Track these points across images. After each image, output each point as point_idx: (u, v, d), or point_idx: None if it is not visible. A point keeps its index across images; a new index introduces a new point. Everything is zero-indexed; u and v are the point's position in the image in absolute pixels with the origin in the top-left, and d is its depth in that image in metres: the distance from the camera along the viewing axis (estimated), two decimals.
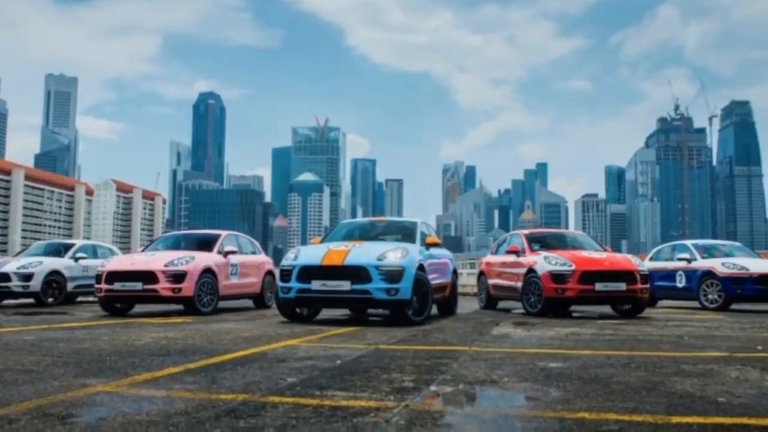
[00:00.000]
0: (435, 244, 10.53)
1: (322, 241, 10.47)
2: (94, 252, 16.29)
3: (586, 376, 4.31)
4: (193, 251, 11.99)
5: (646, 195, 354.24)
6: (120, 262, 11.78)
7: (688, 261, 14.15)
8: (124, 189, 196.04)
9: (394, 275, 8.49)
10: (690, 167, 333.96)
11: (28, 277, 14.01)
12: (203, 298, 11.26)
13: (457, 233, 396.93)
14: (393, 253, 8.74)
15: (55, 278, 14.56)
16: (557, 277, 10.72)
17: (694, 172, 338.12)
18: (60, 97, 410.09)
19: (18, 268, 14.09)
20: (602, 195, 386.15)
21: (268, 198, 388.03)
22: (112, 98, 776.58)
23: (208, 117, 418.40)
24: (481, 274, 14.56)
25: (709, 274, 13.45)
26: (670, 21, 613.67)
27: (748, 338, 7.21)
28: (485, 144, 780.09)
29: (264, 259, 14.59)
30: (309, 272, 8.82)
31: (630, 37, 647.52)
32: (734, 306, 13.56)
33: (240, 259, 12.94)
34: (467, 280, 25.26)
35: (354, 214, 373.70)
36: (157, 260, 11.26)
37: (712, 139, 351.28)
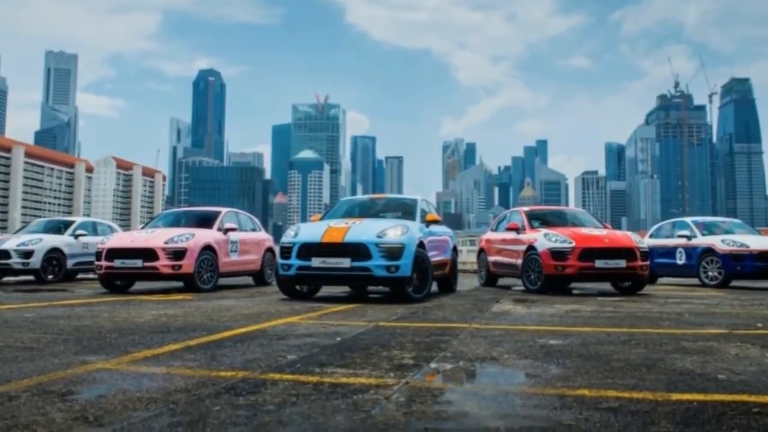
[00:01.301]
0: (435, 221, 10.51)
1: (322, 219, 10.46)
2: (94, 229, 16.30)
3: (586, 353, 4.30)
4: (193, 228, 12.00)
5: (646, 172, 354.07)
6: (120, 239, 11.78)
7: (688, 238, 14.17)
8: (124, 166, 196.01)
9: (394, 252, 8.48)
10: (690, 144, 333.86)
11: (28, 255, 14.04)
12: (203, 275, 11.27)
13: (457, 210, 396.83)
14: (393, 230, 8.73)
15: (55, 255, 14.59)
16: (557, 254, 10.72)
17: (694, 149, 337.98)
18: (60, 74, 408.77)
19: (18, 246, 14.12)
20: (602, 172, 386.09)
21: (268, 175, 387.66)
22: (112, 75, 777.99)
23: (208, 94, 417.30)
24: (481, 251, 14.56)
25: (709, 251, 13.47)
26: None
27: (748, 315, 7.21)
28: (485, 121, 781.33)
29: (264, 236, 14.59)
30: (309, 249, 8.82)
31: (630, 14, 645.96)
32: (734, 283, 13.60)
33: (240, 236, 12.94)
34: (467, 257, 25.26)
35: (354, 192, 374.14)
36: (157, 237, 11.26)
37: (712, 117, 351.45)
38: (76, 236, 15.29)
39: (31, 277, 14.64)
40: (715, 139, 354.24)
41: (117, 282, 11.53)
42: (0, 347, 4.48)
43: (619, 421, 2.60)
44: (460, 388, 3.38)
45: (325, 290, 10.66)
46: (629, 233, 11.88)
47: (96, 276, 12.20)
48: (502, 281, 14.30)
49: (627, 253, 10.80)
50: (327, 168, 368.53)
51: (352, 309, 7.70)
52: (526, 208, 13.33)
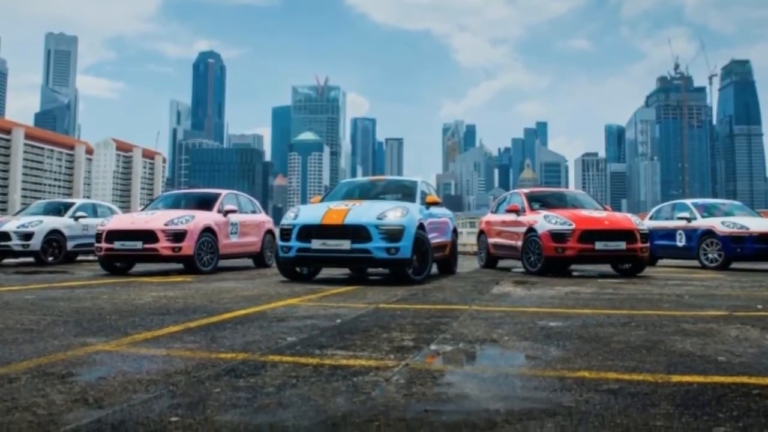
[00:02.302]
0: (435, 203, 10.49)
1: (322, 201, 10.44)
2: (94, 211, 16.29)
3: (586, 335, 4.30)
4: (193, 210, 11.98)
5: (646, 154, 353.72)
6: (120, 221, 11.77)
7: (688, 220, 14.15)
8: (124, 148, 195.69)
9: (394, 234, 8.47)
10: (690, 126, 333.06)
11: (28, 236, 14.04)
12: (203, 257, 11.27)
13: (457, 192, 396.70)
14: (393, 212, 8.71)
15: (55, 237, 14.59)
16: (557, 236, 10.71)
17: (694, 131, 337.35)
18: (60, 56, 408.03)
19: (18, 227, 14.12)
20: (602, 154, 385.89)
21: (268, 157, 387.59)
22: (111, 57, 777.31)
23: (208, 76, 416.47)
24: (481, 233, 14.55)
25: (709, 233, 13.46)
26: None
27: (748, 297, 7.21)
28: (485, 103, 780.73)
29: (264, 218, 14.58)
30: (309, 231, 8.81)
31: None
32: (734, 265, 13.59)
33: (240, 218, 12.93)
34: (467, 239, 25.22)
35: (354, 174, 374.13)
36: (157, 219, 11.25)
37: (712, 98, 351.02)
38: (76, 218, 15.28)
39: (31, 259, 14.64)
40: (715, 121, 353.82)
41: (117, 264, 11.53)
42: (0, 329, 4.48)
43: (619, 403, 2.60)
44: (460, 370, 3.38)
45: (325, 272, 10.66)
46: (629, 215, 11.87)
47: (96, 258, 12.21)
48: (502, 263, 14.31)
49: (627, 235, 10.79)
50: (327, 150, 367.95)
51: (352, 291, 7.70)
52: (526, 190, 13.31)
